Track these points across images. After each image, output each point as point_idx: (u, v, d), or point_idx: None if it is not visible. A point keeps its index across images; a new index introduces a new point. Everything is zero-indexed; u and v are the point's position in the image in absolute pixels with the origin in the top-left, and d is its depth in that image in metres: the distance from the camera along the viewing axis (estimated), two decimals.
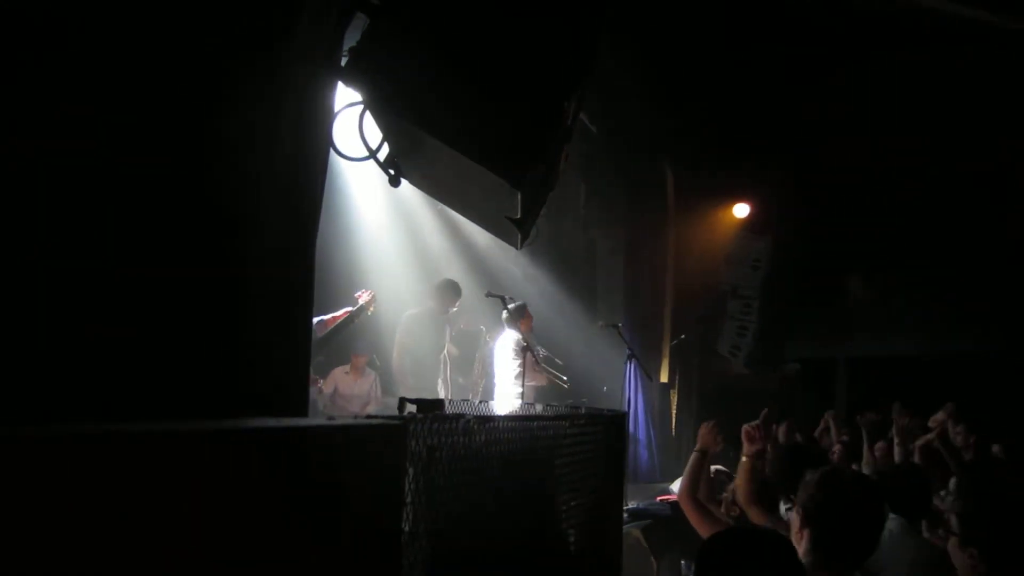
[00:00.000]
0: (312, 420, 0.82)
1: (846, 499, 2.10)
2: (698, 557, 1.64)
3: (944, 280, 10.28)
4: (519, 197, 2.28)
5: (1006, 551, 2.08)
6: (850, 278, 10.50)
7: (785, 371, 11.61)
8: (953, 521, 2.24)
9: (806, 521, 2.08)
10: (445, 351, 6.86)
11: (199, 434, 0.68)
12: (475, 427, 1.13)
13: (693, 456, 3.44)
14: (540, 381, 6.98)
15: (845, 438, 6.33)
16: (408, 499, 0.89)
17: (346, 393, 6.66)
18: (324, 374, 6.58)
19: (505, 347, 6.88)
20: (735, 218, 10.63)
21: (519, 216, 2.52)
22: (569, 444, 1.67)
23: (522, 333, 6.73)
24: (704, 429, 3.56)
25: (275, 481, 0.71)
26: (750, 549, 1.62)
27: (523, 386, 6.73)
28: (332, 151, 2.52)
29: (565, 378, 7.70)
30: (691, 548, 4.96)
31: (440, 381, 6.58)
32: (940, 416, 5.47)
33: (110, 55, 1.48)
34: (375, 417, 0.91)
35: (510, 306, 6.74)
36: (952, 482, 3.99)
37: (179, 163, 1.67)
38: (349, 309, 5.73)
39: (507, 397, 6.97)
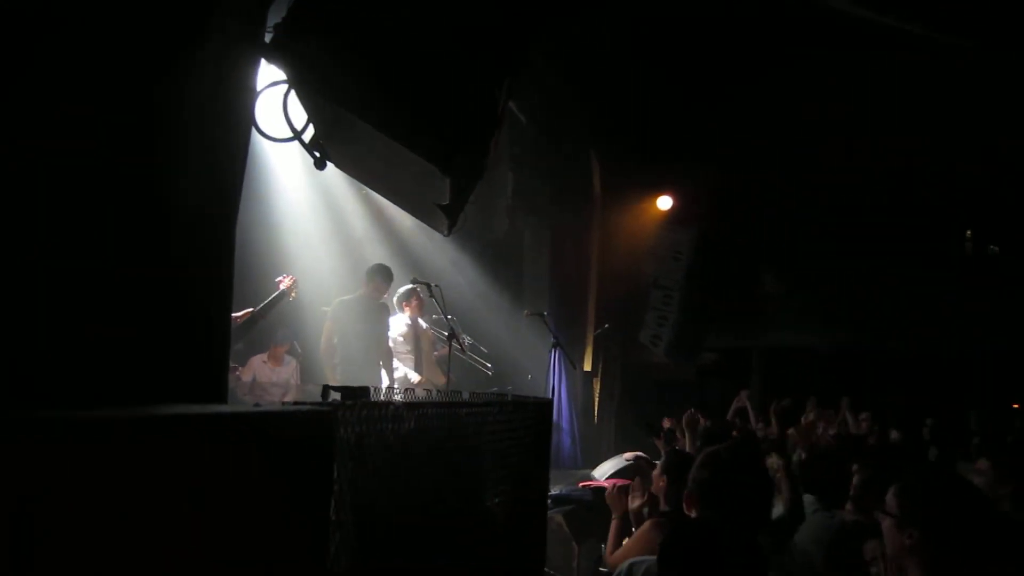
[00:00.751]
0: (238, 406, 0.79)
1: (728, 475, 2.19)
2: (660, 552, 1.68)
3: (852, 276, 10.79)
4: (448, 183, 2.27)
5: (945, 533, 2.14)
6: (765, 272, 10.89)
7: (703, 360, 11.97)
8: (891, 503, 2.29)
9: (692, 499, 2.17)
10: (390, 340, 6.81)
11: (119, 421, 0.65)
12: (403, 414, 1.12)
13: (613, 524, 3.43)
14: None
15: (760, 424, 6.57)
16: (336, 486, 0.87)
17: (265, 381, 6.50)
18: (243, 362, 6.40)
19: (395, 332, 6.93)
20: (659, 211, 10.86)
21: (447, 202, 2.51)
22: (495, 431, 1.68)
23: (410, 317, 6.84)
24: (609, 498, 3.49)
25: (199, 469, 0.68)
26: (710, 543, 1.67)
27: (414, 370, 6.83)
28: (255, 131, 2.45)
29: (489, 365, 7.74)
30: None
31: (383, 371, 6.47)
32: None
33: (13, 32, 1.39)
34: (303, 404, 0.89)
35: (400, 290, 6.78)
36: (855, 467, 4.21)
37: (87, 142, 1.58)
38: (251, 310, 5.55)
39: (401, 383, 6.97)
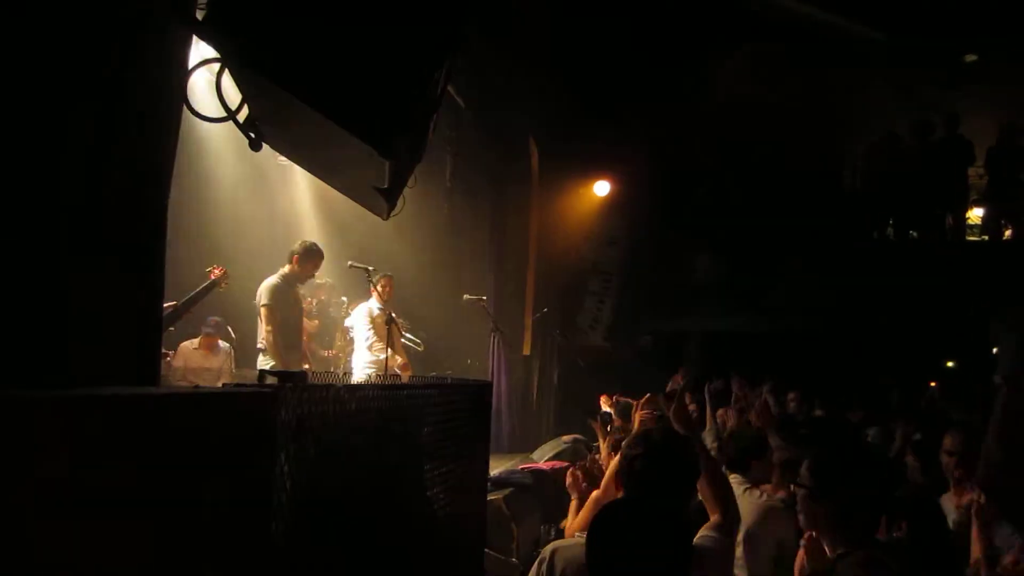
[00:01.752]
0: (178, 388, 0.78)
1: (657, 456, 2.27)
2: (588, 530, 1.72)
3: (784, 261, 11.14)
4: (387, 167, 2.25)
5: (856, 503, 2.23)
6: (699, 256, 11.14)
7: (639, 343, 12.21)
8: (804, 475, 2.39)
9: (621, 478, 2.25)
10: (365, 326, 6.75)
11: (54, 401, 0.63)
12: (345, 396, 1.12)
13: (572, 503, 3.59)
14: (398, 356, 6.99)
15: (693, 406, 6.75)
16: (278, 469, 0.87)
17: (197, 367, 6.33)
18: (173, 347, 6.23)
19: (361, 316, 6.89)
20: (596, 195, 10.97)
21: (386, 186, 2.49)
22: (436, 413, 1.69)
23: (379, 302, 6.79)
24: (570, 479, 3.68)
25: (140, 450, 0.67)
26: (636, 520, 1.71)
27: (374, 354, 6.78)
28: (187, 111, 2.38)
29: (419, 340, 7.73)
30: (550, 514, 5.17)
31: (300, 355, 6.36)
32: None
33: None
34: (244, 386, 0.88)
35: (374, 277, 6.71)
36: (778, 445, 4.39)
37: (9, 119, 1.51)
38: (175, 303, 5.35)
39: (363, 367, 6.94)
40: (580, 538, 2.19)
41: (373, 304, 7.04)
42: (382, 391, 1.36)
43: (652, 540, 1.67)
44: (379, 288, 6.88)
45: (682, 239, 11.56)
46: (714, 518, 2.49)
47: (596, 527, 1.75)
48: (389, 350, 6.58)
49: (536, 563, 2.19)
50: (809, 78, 11.14)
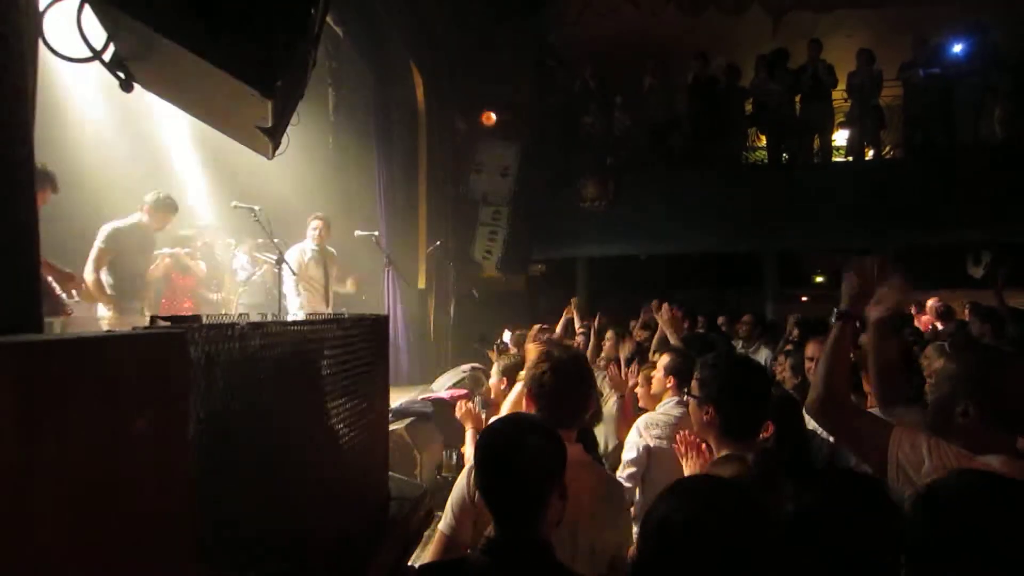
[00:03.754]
0: (96, 331, 0.81)
1: (560, 368, 2.46)
2: (477, 446, 1.85)
3: (665, 187, 11.58)
4: (270, 105, 2.22)
5: (736, 407, 2.42)
6: (586, 185, 11.39)
7: (532, 272, 12.50)
8: (693, 385, 2.57)
9: (532, 396, 2.41)
10: (295, 266, 6.72)
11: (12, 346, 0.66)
12: (249, 333, 1.17)
13: (469, 433, 3.55)
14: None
15: (583, 330, 7.09)
16: (193, 407, 0.93)
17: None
18: None
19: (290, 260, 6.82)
20: (484, 126, 10.97)
21: (270, 125, 2.46)
22: (337, 347, 1.75)
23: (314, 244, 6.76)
24: (461, 411, 3.64)
25: (60, 395, 0.70)
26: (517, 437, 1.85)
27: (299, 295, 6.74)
28: (47, 50, 2.24)
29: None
30: (451, 440, 5.36)
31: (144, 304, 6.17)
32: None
33: None
34: (155, 326, 0.92)
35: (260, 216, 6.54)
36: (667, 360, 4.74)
37: None
38: None
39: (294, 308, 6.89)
40: None
41: (307, 246, 6.97)
42: (283, 327, 1.42)
43: (532, 454, 1.81)
44: (313, 230, 6.87)
45: (570, 167, 11.77)
46: None
47: (479, 444, 1.89)
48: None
49: (465, 471, 2.33)
50: (685, 5, 11.41)
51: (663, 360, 3.82)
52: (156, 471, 0.83)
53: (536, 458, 1.77)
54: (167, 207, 5.92)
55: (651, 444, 3.34)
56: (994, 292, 7.19)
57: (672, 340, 5.07)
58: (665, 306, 5.30)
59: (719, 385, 2.48)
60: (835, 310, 2.30)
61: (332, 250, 7.30)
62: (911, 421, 2.32)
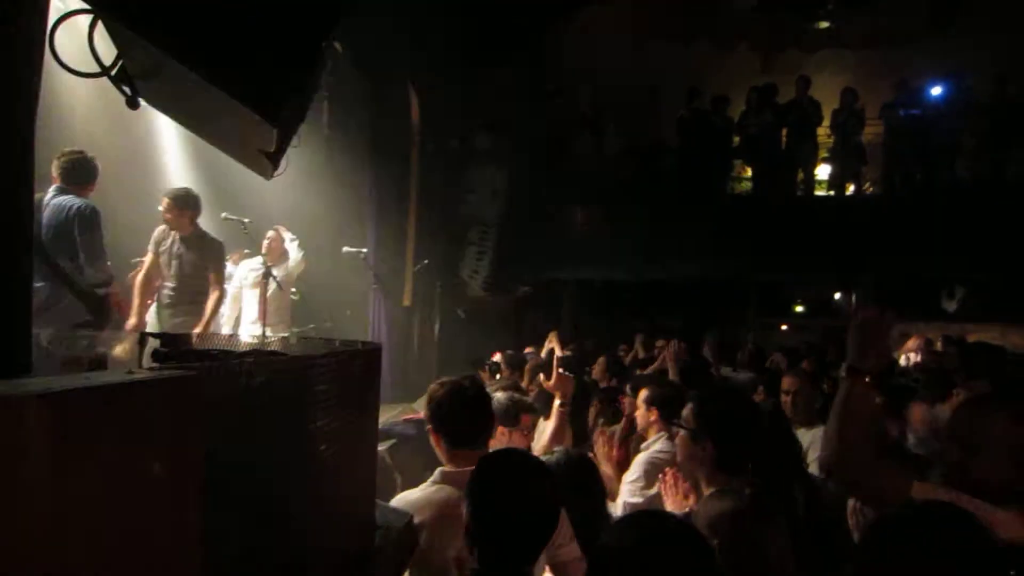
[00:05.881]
0: (114, 375, 0.82)
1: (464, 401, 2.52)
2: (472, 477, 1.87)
3: (649, 214, 11.69)
4: (275, 133, 2.25)
5: (734, 441, 2.42)
6: (575, 210, 11.49)
7: (518, 293, 12.53)
8: (687, 416, 2.55)
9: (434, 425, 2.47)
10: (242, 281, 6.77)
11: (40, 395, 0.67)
12: (255, 370, 1.19)
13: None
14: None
15: (569, 353, 7.10)
16: (205, 446, 0.94)
17: None
18: None
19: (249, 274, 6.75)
20: (477, 147, 11.03)
21: (274, 149, 2.48)
22: (333, 379, 1.76)
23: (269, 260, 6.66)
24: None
25: (90, 443, 0.71)
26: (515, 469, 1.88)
27: (264, 315, 6.63)
28: (57, 65, 2.26)
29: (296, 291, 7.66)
30: (432, 463, 5.34)
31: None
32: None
33: None
34: (167, 368, 0.93)
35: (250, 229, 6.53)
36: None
37: None
38: None
39: (250, 326, 6.80)
40: None
41: (256, 260, 6.92)
42: (288, 363, 1.43)
43: (527, 488, 1.83)
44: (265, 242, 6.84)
45: (560, 191, 11.86)
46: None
47: (477, 476, 1.91)
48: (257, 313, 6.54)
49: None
50: (676, 41, 11.60)
51: (643, 392, 3.83)
52: (172, 514, 0.85)
53: (545, 504, 1.79)
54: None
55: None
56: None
57: (672, 373, 5.09)
58: (676, 343, 5.30)
59: (719, 419, 2.48)
60: (844, 365, 2.23)
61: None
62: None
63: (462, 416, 2.54)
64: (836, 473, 2.23)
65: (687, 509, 2.58)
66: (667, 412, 3.59)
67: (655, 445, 3.59)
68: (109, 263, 5.08)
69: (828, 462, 2.21)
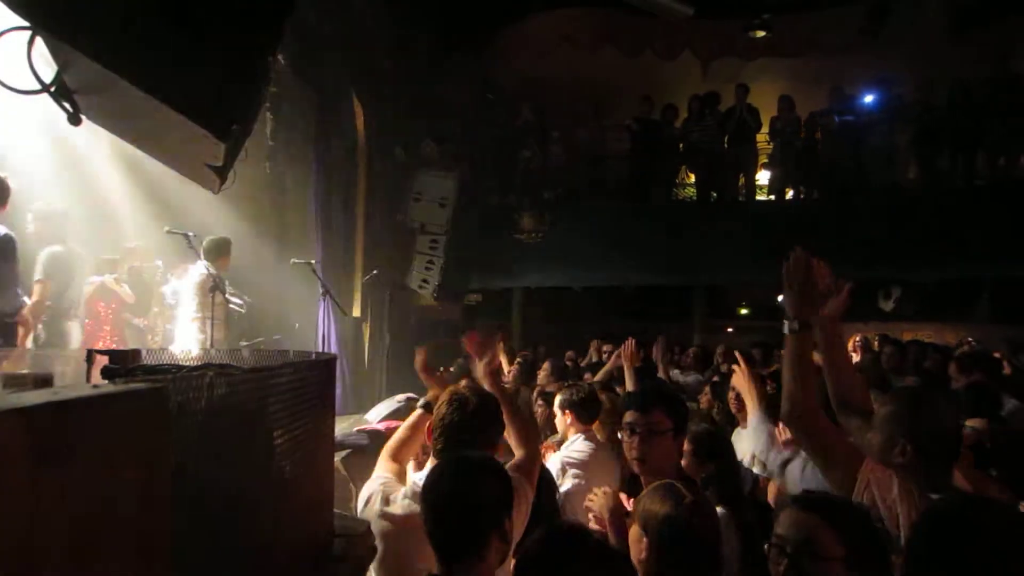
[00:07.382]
0: (77, 389, 0.84)
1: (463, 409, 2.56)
2: (425, 483, 1.90)
3: (597, 220, 11.87)
4: (224, 148, 2.26)
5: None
6: (523, 217, 11.57)
7: (468, 301, 12.57)
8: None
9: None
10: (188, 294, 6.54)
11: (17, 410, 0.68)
12: (216, 382, 1.21)
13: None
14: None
15: (519, 360, 7.18)
16: (171, 457, 0.96)
17: None
18: None
19: (192, 285, 6.59)
20: (424, 156, 11.05)
21: (221, 164, 2.48)
22: (290, 390, 1.78)
23: (216, 271, 6.51)
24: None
25: (66, 456, 0.73)
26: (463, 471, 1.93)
27: (210, 327, 6.49)
28: None
29: (242, 301, 7.55)
30: None
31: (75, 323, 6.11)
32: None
33: None
34: (135, 380, 0.95)
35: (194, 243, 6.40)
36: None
37: None
38: None
39: (190, 337, 6.64)
40: None
41: (202, 269, 6.74)
42: (248, 373, 1.45)
43: (470, 494, 1.88)
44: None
45: (507, 200, 11.95)
46: (519, 455, 2.73)
47: (425, 484, 1.95)
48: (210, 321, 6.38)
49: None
50: (620, 49, 11.82)
51: (559, 396, 3.90)
52: (141, 524, 0.87)
53: (475, 500, 1.82)
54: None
55: (570, 487, 3.45)
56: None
57: (628, 379, 5.16)
58: (631, 342, 5.38)
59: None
60: (786, 323, 2.39)
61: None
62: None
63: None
64: (795, 427, 2.37)
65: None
66: (582, 414, 3.74)
67: (573, 445, 3.70)
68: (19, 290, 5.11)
69: (786, 418, 2.36)
